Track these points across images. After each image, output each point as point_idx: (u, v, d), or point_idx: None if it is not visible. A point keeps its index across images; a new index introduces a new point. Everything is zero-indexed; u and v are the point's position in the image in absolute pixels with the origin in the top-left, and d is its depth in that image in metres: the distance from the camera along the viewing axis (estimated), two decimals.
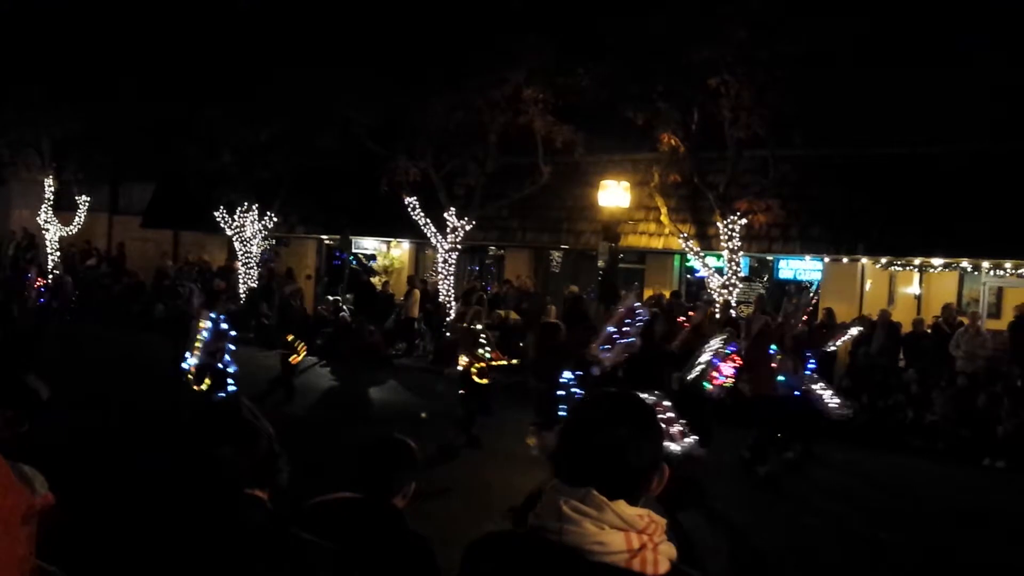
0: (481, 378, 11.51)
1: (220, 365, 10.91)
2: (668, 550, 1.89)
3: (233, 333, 11.42)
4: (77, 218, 26.72)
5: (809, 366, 11.59)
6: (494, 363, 11.79)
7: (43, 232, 26.80)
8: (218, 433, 2.04)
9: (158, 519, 1.98)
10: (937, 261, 16.74)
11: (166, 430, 8.83)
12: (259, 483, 2.06)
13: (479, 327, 11.86)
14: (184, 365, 11.06)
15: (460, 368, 11.71)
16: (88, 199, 26.67)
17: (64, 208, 26.59)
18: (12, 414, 2.23)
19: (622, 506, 1.87)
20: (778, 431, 11.35)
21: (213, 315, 11.15)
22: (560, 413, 8.50)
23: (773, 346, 11.28)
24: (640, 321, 9.25)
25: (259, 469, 2.06)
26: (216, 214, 22.92)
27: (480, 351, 11.54)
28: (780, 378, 11.18)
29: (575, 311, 17.43)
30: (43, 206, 26.53)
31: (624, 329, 9.05)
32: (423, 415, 12.37)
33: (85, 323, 20.95)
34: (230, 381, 10.98)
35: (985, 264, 16.75)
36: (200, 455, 2.01)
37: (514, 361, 12.37)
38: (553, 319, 17.87)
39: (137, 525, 1.98)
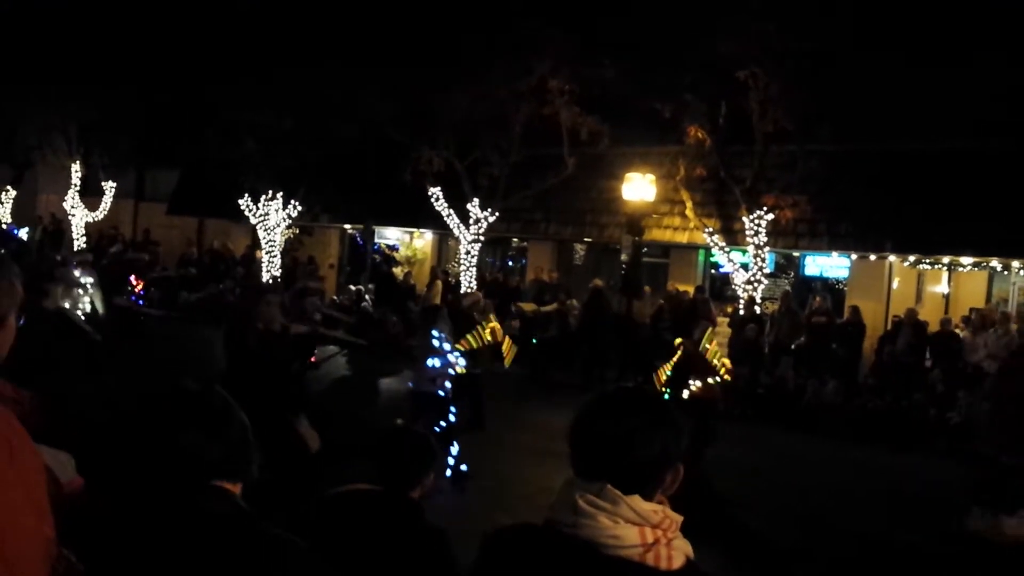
0: (708, 397, 10.08)
1: (440, 392, 9.08)
2: (683, 545, 1.91)
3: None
4: (103, 204, 26.92)
5: None
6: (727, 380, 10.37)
7: (70, 217, 27.04)
8: (184, 417, 1.96)
9: (120, 507, 1.92)
10: (966, 260, 16.51)
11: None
12: (229, 475, 1.98)
13: (710, 346, 10.44)
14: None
15: (690, 392, 10.22)
16: (114, 185, 26.87)
17: (91, 193, 26.80)
18: (41, 400, 2.21)
19: (637, 501, 1.88)
20: None
21: (435, 332, 9.16)
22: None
23: None
24: None
25: (229, 460, 1.98)
26: (240, 202, 23.00)
27: (714, 377, 10.16)
28: None
29: (597, 304, 17.40)
30: (70, 191, 26.76)
31: None
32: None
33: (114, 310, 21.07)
34: (452, 410, 9.21)
35: (1015, 264, 16.52)
36: (163, 440, 1.94)
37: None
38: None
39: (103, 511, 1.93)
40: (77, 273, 13.65)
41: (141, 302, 16.80)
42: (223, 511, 1.92)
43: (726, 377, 10.49)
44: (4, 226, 27.46)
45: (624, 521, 1.85)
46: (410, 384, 9.31)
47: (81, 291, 13.26)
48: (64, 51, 22.50)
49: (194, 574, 1.86)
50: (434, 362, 9.00)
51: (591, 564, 1.84)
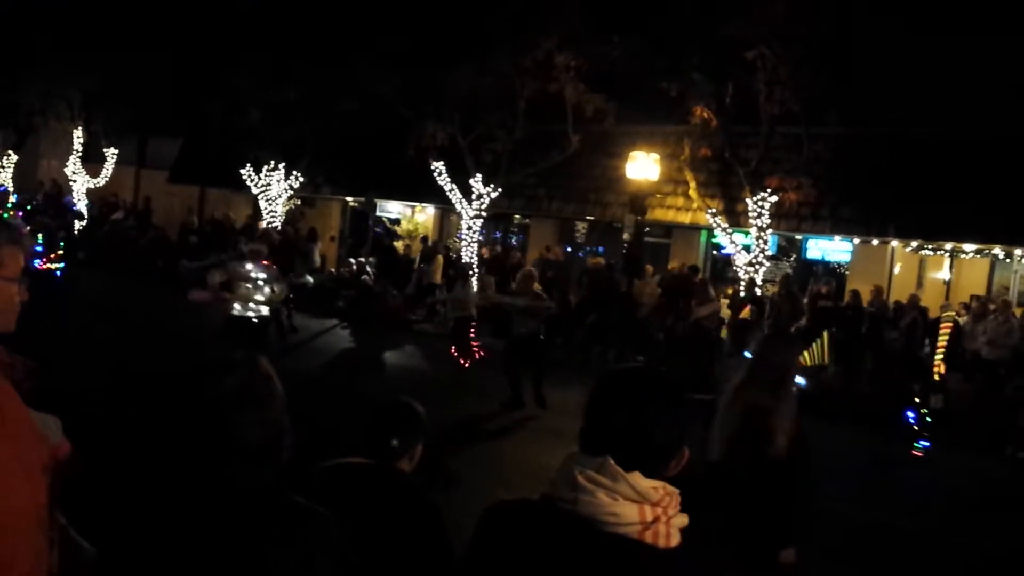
0: None
1: None
2: (682, 523, 1.89)
3: None
4: (105, 170, 26.85)
5: None
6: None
7: (71, 183, 26.99)
8: (234, 397, 1.97)
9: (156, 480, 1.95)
10: (969, 247, 16.46)
11: None
12: (263, 454, 2.00)
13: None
14: None
15: None
16: (116, 152, 26.79)
17: (92, 160, 26.72)
18: (35, 366, 2.21)
19: (637, 478, 1.85)
20: None
21: (749, 353, 8.07)
22: None
23: None
24: None
25: (265, 440, 1.99)
26: (242, 172, 22.92)
27: None
28: None
29: (607, 282, 17.41)
30: (71, 157, 26.68)
31: None
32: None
33: (116, 277, 21.12)
34: None
35: (1018, 252, 16.49)
36: (210, 420, 1.95)
37: None
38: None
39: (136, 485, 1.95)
40: (249, 268, 10.95)
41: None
42: (249, 482, 1.95)
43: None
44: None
45: (623, 498, 1.83)
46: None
47: (253, 288, 10.78)
48: (68, 17, 22.37)
49: (222, 543, 1.88)
50: None
51: (589, 542, 1.82)
